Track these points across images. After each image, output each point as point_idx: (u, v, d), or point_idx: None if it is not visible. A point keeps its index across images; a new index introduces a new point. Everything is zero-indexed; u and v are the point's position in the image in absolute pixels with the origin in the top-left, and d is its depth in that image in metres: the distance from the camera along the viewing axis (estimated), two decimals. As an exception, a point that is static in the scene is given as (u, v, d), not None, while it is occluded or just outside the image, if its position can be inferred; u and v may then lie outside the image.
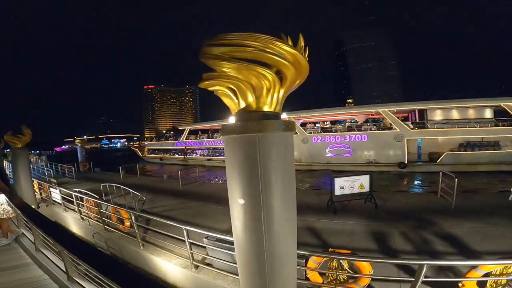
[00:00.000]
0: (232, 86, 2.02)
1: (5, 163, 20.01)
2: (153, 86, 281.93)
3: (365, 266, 3.47)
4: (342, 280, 3.67)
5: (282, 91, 2.05)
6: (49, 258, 3.58)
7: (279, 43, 1.85)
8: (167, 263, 4.99)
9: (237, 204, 2.09)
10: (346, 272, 3.64)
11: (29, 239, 4.60)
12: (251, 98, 2.00)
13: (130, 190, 7.89)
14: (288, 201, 2.14)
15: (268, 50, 1.84)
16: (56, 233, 2.57)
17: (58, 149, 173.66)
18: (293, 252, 2.34)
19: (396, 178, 19.25)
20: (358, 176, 7.95)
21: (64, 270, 2.59)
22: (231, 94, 2.08)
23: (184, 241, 4.62)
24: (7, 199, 4.82)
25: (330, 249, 4.00)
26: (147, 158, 40.64)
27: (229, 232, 6.39)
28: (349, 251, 3.98)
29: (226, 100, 2.17)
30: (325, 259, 3.68)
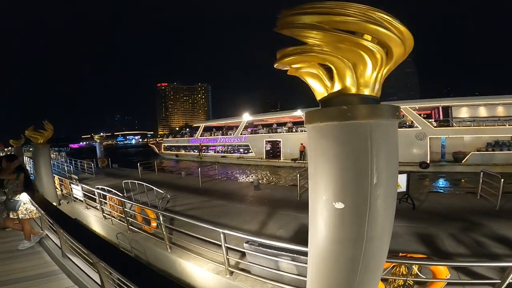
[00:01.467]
0: (328, 63, 1.58)
1: (25, 158, 20.45)
2: (166, 84, 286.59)
3: (442, 270, 3.23)
4: (407, 285, 3.31)
5: (384, 72, 1.60)
6: (78, 266, 3.26)
7: (386, 16, 1.42)
8: (197, 268, 4.63)
9: (330, 208, 1.66)
10: (413, 277, 3.25)
11: (54, 242, 4.31)
12: (351, 79, 1.56)
13: (154, 187, 7.60)
14: (392, 203, 1.72)
15: (377, 22, 1.40)
16: (88, 240, 2.21)
17: (73, 145, 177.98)
18: (383, 262, 1.94)
19: (419, 179, 18.32)
20: (394, 175, 7.46)
21: (100, 283, 2.23)
22: (322, 74, 1.63)
23: (215, 244, 4.31)
24: (30, 198, 4.53)
25: (401, 254, 3.61)
26: (164, 154, 41.12)
27: (258, 233, 6.08)
28: (423, 255, 3.65)
29: (312, 82, 1.72)
30: (393, 264, 3.26)
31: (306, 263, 3.42)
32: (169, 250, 5.18)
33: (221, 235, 3.89)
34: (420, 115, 22.55)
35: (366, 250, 1.67)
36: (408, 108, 21.89)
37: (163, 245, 5.29)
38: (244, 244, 3.82)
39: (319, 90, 1.69)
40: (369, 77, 1.54)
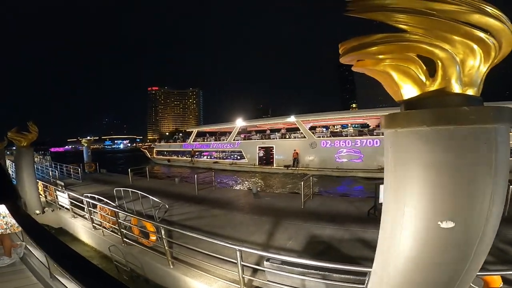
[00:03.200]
0: (433, 57, 1.31)
1: (8, 162, 19.24)
2: (157, 88, 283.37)
3: (496, 280, 3.15)
4: None
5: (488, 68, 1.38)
6: (72, 292, 2.73)
7: (496, 10, 1.21)
8: (206, 287, 4.11)
9: (432, 227, 1.35)
10: None
11: (39, 259, 3.71)
12: (457, 76, 1.30)
13: (150, 196, 7.03)
14: (499, 219, 1.43)
15: (493, 15, 1.19)
16: (75, 265, 1.71)
17: (55, 149, 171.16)
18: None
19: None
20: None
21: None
22: (418, 69, 1.37)
23: (224, 260, 3.85)
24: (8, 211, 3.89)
25: None
26: (156, 159, 40.23)
27: (266, 246, 5.62)
28: None
29: (398, 77, 1.44)
30: None
31: (340, 282, 3.06)
32: (172, 266, 4.64)
33: (237, 253, 3.42)
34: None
35: (466, 272, 1.41)
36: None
37: (164, 261, 4.75)
38: (265, 263, 3.38)
39: (407, 88, 1.42)
40: (476, 75, 1.30)
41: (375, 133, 23.18)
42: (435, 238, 1.35)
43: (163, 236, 4.53)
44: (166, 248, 4.55)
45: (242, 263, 3.49)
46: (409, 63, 1.37)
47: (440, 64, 1.29)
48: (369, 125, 28.18)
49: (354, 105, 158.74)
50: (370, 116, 26.80)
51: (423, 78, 1.36)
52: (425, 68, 1.36)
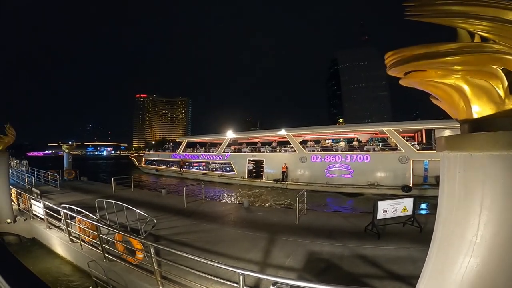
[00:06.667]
0: None
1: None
2: (145, 96, 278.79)
3: None
4: None
5: None
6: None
7: None
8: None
9: (502, 255, 1.22)
10: None
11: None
12: None
13: (136, 209, 6.49)
14: None
15: None
16: None
17: (32, 153, 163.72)
18: None
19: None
20: (401, 199, 7.44)
21: None
22: (498, 84, 1.20)
23: (220, 281, 3.44)
24: None
25: None
26: (144, 168, 39.22)
27: (264, 264, 5.20)
28: None
29: (473, 93, 1.25)
30: None
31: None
32: (161, 287, 4.14)
33: (240, 277, 3.03)
34: (403, 137, 22.75)
35: None
36: (392, 130, 21.94)
37: (152, 280, 4.26)
38: (271, 287, 3.00)
39: (479, 105, 1.24)
40: None
41: (365, 149, 23.25)
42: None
43: (153, 255, 4.05)
44: (155, 267, 4.07)
45: (245, 287, 3.10)
46: (489, 77, 1.19)
47: None
48: (359, 140, 28.27)
49: (341, 120, 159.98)
50: (361, 131, 27.01)
51: (502, 94, 1.19)
52: (507, 84, 1.17)
